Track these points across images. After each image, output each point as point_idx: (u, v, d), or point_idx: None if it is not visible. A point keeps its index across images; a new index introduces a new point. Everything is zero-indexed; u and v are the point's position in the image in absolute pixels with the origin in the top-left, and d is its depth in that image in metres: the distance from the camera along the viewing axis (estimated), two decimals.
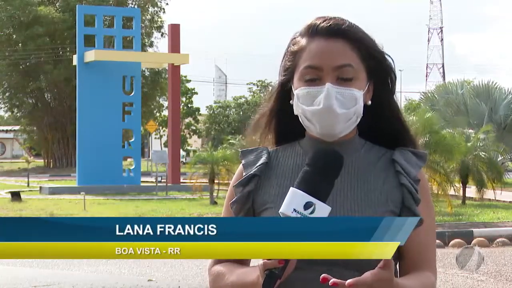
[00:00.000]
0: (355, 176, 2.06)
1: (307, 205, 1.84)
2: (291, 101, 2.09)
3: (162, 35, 51.00)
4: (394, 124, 2.15)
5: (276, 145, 2.19)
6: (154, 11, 51.08)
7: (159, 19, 50.95)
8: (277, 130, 2.19)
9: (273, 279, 1.83)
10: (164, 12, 52.01)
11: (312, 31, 2.08)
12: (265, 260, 1.83)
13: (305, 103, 2.02)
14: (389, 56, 2.14)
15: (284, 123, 2.17)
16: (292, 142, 2.16)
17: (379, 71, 2.10)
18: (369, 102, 2.08)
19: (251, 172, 2.11)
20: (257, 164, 2.12)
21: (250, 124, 2.27)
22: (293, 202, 1.85)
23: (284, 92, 2.14)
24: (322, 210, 1.85)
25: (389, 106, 2.14)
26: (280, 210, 1.86)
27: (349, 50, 2.05)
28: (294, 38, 2.12)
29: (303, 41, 2.09)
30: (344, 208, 2.01)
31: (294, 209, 1.84)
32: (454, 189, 19.04)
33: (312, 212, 1.84)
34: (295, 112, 2.07)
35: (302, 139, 2.13)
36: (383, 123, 2.14)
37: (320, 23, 2.08)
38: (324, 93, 1.99)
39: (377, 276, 1.80)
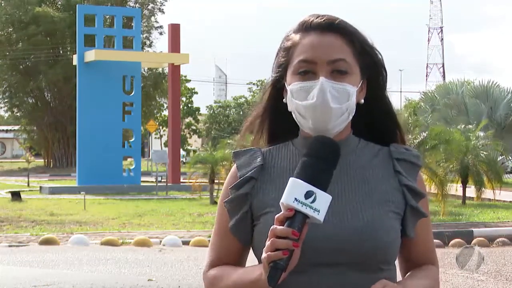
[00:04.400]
0: (354, 176, 2.05)
1: (308, 194, 1.84)
2: (284, 100, 2.08)
3: (161, 34, 51.18)
4: (387, 121, 2.15)
5: (269, 145, 2.16)
6: (153, 7, 51.18)
7: (156, 18, 51.20)
8: (270, 129, 2.17)
9: (278, 271, 1.82)
10: (162, 9, 52.12)
11: (306, 27, 2.07)
12: (269, 253, 1.82)
13: (299, 98, 2.01)
14: (379, 53, 2.13)
15: (277, 122, 2.15)
16: (285, 141, 2.14)
17: (372, 68, 2.09)
18: (362, 101, 2.07)
19: (247, 175, 2.07)
20: (252, 166, 2.09)
21: (244, 125, 2.23)
22: (293, 191, 1.85)
23: (277, 90, 2.12)
24: (323, 199, 1.85)
25: (381, 103, 2.13)
26: (282, 200, 1.85)
27: (343, 45, 2.04)
28: (288, 35, 2.11)
29: (296, 37, 2.08)
30: (346, 209, 2.00)
31: (296, 199, 1.84)
32: (450, 189, 19.10)
33: (313, 201, 1.84)
34: (289, 109, 2.06)
35: (296, 139, 2.12)
36: (376, 120, 2.14)
37: (313, 19, 2.08)
38: (317, 87, 1.98)
39: None
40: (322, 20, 2.07)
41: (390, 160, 2.10)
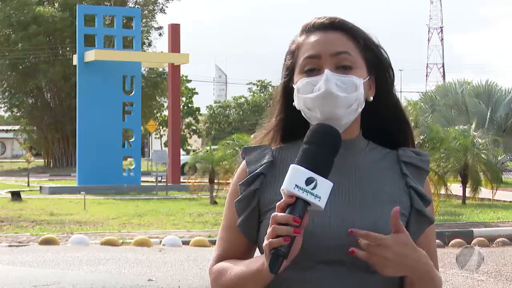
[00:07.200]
0: (362, 176, 2.06)
1: (309, 181, 1.84)
2: (293, 103, 2.08)
3: (160, 35, 51.33)
4: (396, 120, 2.15)
5: (281, 144, 2.17)
6: (153, 8, 51.19)
7: (156, 19, 51.31)
8: (283, 134, 2.17)
9: (279, 257, 1.81)
10: (164, 9, 52.08)
11: (309, 28, 2.11)
12: (270, 239, 1.82)
13: (305, 92, 2.02)
14: (385, 52, 2.14)
15: (290, 126, 2.15)
16: (295, 141, 2.14)
17: (378, 65, 2.10)
18: (371, 98, 2.08)
19: (257, 170, 2.08)
20: (262, 162, 2.09)
21: (260, 125, 2.24)
22: (294, 178, 1.84)
23: (287, 95, 2.13)
24: (324, 185, 1.85)
25: (389, 101, 2.13)
26: (282, 187, 1.85)
27: (346, 40, 2.07)
28: (293, 40, 2.15)
29: (300, 39, 2.11)
30: (354, 208, 2.00)
31: (296, 185, 1.83)
32: (447, 189, 19.09)
33: (314, 188, 1.84)
34: (297, 107, 2.06)
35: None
36: (385, 120, 2.14)
37: (315, 21, 2.12)
38: (323, 79, 2.00)
39: (397, 239, 1.88)
40: (324, 20, 2.10)
41: (398, 163, 2.10)
